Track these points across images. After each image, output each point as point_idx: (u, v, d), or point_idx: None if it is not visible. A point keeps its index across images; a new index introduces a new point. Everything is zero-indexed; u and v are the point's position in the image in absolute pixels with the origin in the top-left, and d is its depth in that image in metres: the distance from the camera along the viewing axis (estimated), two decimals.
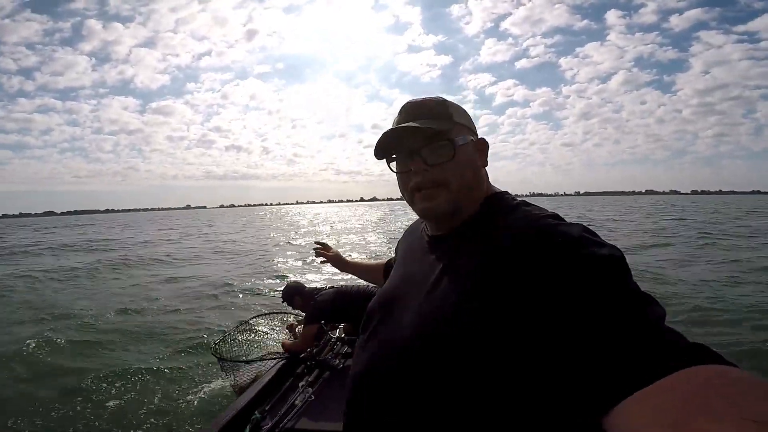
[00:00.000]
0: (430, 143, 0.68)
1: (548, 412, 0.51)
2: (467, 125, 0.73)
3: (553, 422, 0.51)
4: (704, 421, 0.32)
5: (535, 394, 0.51)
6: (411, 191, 0.71)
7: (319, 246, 1.58)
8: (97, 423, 3.25)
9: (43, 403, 3.61)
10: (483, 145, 0.75)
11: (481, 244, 0.63)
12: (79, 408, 3.49)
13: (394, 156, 0.74)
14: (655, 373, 0.38)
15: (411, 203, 0.73)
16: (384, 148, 0.73)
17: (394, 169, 0.74)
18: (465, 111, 0.75)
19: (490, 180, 0.77)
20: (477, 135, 0.76)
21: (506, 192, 0.76)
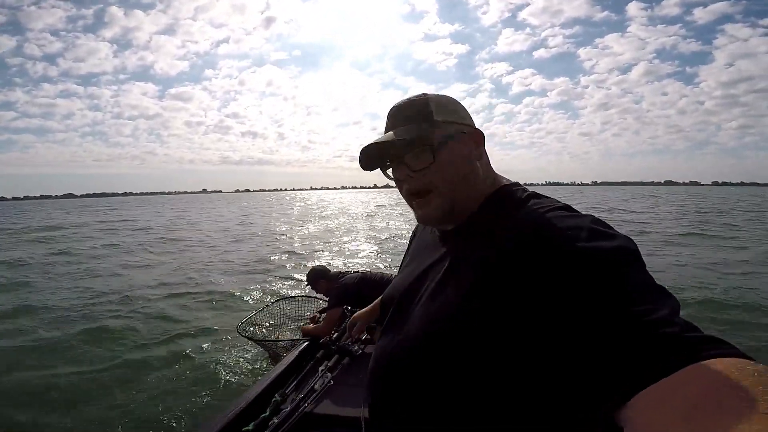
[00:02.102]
0: (410, 150, 0.68)
1: (556, 408, 0.51)
2: (454, 120, 0.70)
3: (561, 417, 0.51)
4: (719, 415, 0.31)
5: (542, 391, 0.51)
6: (407, 198, 0.72)
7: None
8: (113, 402, 3.30)
9: (53, 380, 3.69)
10: (476, 137, 0.71)
11: (483, 244, 0.62)
12: (93, 389, 3.54)
13: (389, 163, 0.73)
14: (668, 366, 0.37)
15: (412, 209, 0.73)
16: (371, 161, 0.73)
17: (391, 176, 0.74)
18: (454, 103, 0.72)
19: (496, 172, 0.74)
20: (471, 125, 0.72)
21: (516, 184, 0.73)
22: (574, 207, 0.62)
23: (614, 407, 0.39)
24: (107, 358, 4.16)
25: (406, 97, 0.72)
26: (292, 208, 38.44)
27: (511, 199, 0.68)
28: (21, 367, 3.97)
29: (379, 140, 0.68)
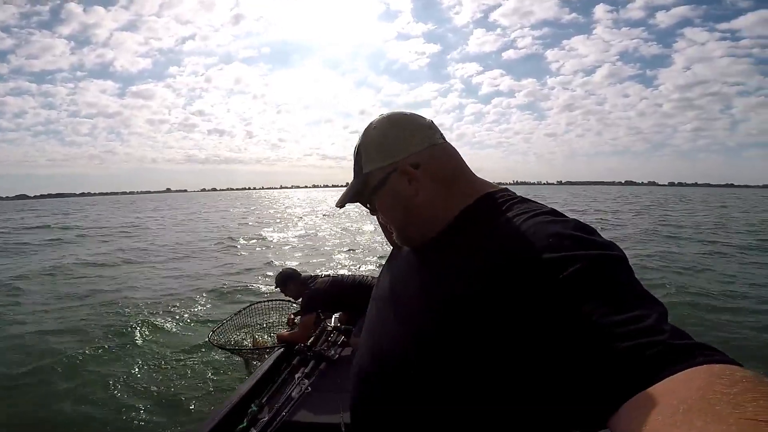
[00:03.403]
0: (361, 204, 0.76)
1: (541, 418, 0.50)
2: (382, 163, 0.70)
3: (547, 427, 0.51)
4: (706, 422, 0.30)
5: (528, 401, 0.50)
6: None
7: None
8: (84, 417, 3.14)
9: (26, 393, 3.49)
10: (409, 173, 0.68)
11: (459, 258, 0.61)
12: (63, 401, 3.37)
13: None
14: (656, 374, 0.37)
15: None
16: (344, 204, 0.78)
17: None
18: (385, 138, 0.71)
19: (478, 179, 0.74)
20: (410, 152, 0.69)
21: (502, 190, 0.71)
22: (559, 211, 0.61)
23: (604, 416, 0.39)
24: (65, 369, 3.95)
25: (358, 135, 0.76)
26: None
27: (490, 208, 0.66)
28: None
29: (338, 201, 0.77)
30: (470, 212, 0.67)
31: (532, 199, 0.67)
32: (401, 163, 0.69)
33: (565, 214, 0.60)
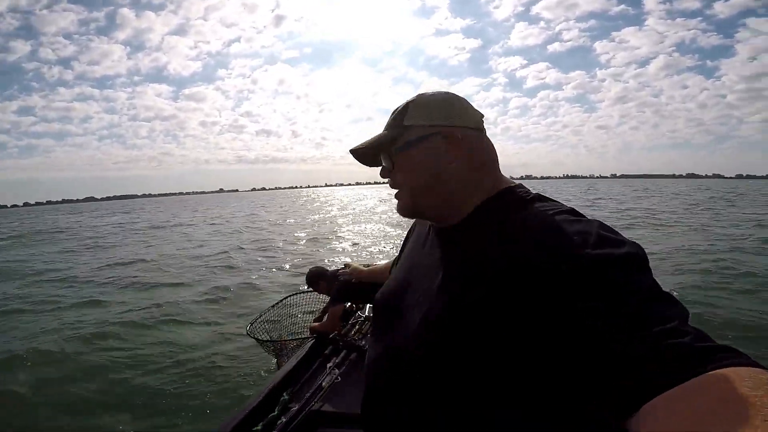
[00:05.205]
0: (381, 154, 0.72)
1: (563, 416, 0.50)
2: (429, 122, 0.68)
3: (568, 425, 0.50)
4: (730, 425, 0.31)
5: (548, 399, 0.50)
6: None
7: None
8: (120, 402, 3.32)
9: (67, 380, 3.74)
10: (453, 140, 0.67)
11: (485, 247, 0.60)
12: (100, 387, 3.59)
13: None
14: (679, 376, 0.37)
15: None
16: (363, 159, 0.77)
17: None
18: (439, 103, 0.69)
19: (500, 172, 0.72)
20: (458, 125, 0.68)
21: (520, 186, 0.70)
22: (579, 211, 0.59)
23: (625, 415, 0.39)
24: (103, 355, 4.18)
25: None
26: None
27: (515, 201, 0.65)
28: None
29: (356, 146, 0.74)
30: (490, 206, 0.66)
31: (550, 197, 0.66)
32: (448, 129, 0.67)
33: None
